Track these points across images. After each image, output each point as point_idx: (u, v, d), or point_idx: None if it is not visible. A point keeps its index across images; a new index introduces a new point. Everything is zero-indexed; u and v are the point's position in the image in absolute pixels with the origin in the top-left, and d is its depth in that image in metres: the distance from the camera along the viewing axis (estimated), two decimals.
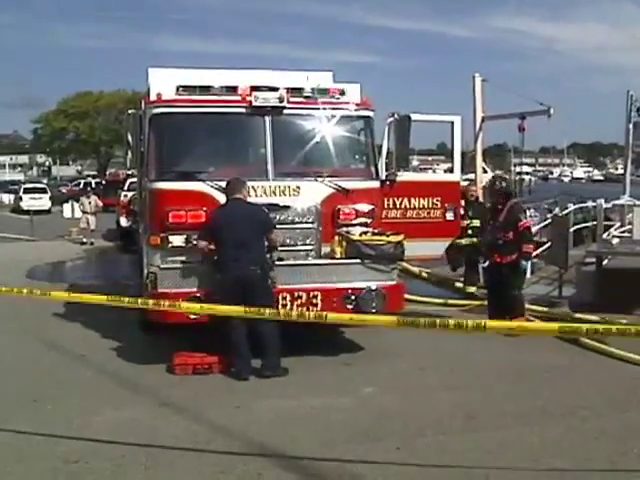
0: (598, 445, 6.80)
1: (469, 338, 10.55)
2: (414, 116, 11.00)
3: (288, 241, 9.72)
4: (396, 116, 11.27)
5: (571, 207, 16.33)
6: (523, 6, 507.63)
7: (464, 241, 13.62)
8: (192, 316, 8.69)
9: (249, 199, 9.36)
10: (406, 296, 10.96)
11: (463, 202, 13.38)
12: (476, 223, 13.64)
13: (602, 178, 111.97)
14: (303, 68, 11.01)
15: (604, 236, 15.36)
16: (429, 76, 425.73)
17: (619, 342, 9.81)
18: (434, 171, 16.78)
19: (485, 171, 19.67)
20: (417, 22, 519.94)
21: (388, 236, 9.74)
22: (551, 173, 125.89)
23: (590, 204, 17.25)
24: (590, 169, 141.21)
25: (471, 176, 19.37)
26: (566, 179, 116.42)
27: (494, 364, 9.60)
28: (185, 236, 9.52)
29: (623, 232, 15.87)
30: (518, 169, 33.33)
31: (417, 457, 6.53)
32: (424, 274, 16.11)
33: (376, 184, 10.40)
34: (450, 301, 13.46)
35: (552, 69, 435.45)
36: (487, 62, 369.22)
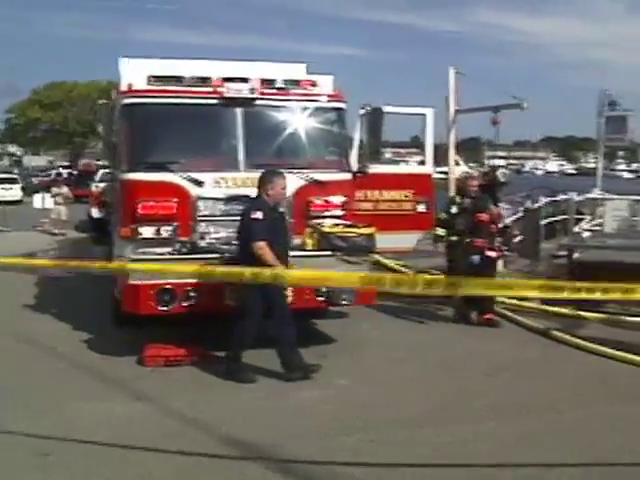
0: (573, 438, 6.86)
1: (439, 329, 10.62)
2: (386, 108, 11.02)
3: None
4: (368, 108, 11.29)
5: (543, 200, 16.41)
6: (501, 1, 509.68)
7: (455, 238, 11.95)
8: (163, 308, 8.67)
9: (220, 190, 9.37)
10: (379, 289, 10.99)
11: (460, 197, 12.17)
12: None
13: (575, 172, 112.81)
14: (279, 60, 11.01)
15: (575, 229, 15.48)
16: (408, 69, 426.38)
17: (588, 334, 9.96)
18: (407, 163, 16.76)
19: (458, 164, 19.67)
20: (396, 15, 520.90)
21: (360, 228, 9.74)
22: (522, 166, 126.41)
23: (562, 198, 17.34)
24: (563, 163, 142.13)
25: (445, 169, 19.39)
26: (539, 172, 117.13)
27: (465, 356, 9.64)
28: (156, 228, 9.47)
29: (594, 225, 16.00)
30: (492, 162, 33.44)
31: (392, 449, 6.55)
32: (397, 267, 16.11)
33: (348, 176, 10.39)
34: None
35: (529, 63, 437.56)
36: (465, 56, 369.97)
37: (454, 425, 7.17)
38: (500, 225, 12.04)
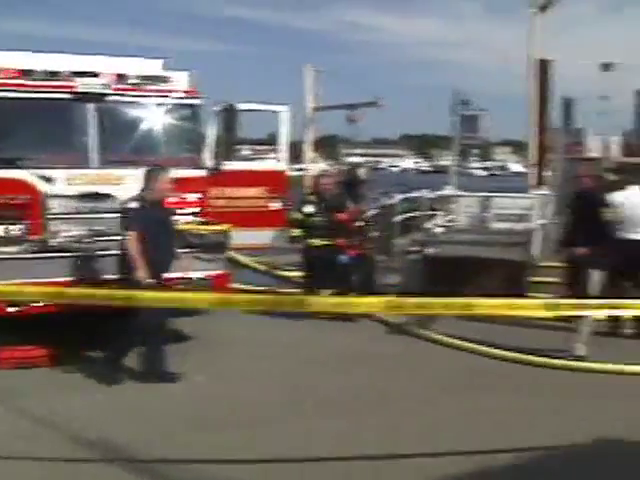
0: (435, 431, 7.03)
1: (306, 326, 10.71)
2: (240, 105, 11.05)
3: (109, 230, 9.46)
4: (223, 105, 11.29)
5: (397, 197, 16.75)
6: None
7: (317, 241, 11.68)
8: (13, 309, 8.41)
9: (71, 187, 9.18)
10: (236, 286, 11.01)
11: (315, 195, 12.07)
12: (327, 219, 11.77)
13: (431, 169, 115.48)
14: (145, 56, 10.83)
15: (429, 225, 15.88)
16: (272, 65, 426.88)
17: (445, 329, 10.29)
18: (264, 161, 16.80)
19: (316, 161, 19.91)
20: (252, 11, 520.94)
21: (214, 225, 9.73)
22: (378, 163, 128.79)
23: (416, 194, 17.75)
24: (419, 160, 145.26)
25: (303, 166, 19.58)
26: (396, 169, 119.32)
27: (329, 352, 9.77)
28: (4, 226, 9.18)
29: (447, 221, 16.46)
30: (349, 160, 33.90)
31: (247, 446, 6.55)
32: (253, 264, 16.15)
33: (203, 173, 10.35)
34: (281, 290, 13.56)
35: (389, 61, 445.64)
36: (326, 53, 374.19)
37: (311, 421, 7.21)
38: (361, 223, 12.17)
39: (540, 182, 17.49)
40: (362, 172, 13.10)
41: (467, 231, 15.30)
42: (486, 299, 6.29)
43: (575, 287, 9.59)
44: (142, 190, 8.53)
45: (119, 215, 8.63)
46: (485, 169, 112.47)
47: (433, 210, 17.86)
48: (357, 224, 11.97)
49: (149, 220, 8.25)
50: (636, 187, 10.96)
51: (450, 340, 10.15)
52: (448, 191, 17.67)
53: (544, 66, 18.99)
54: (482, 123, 22.55)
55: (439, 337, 10.35)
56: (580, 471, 6.27)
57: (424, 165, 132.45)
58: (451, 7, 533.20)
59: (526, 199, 15.51)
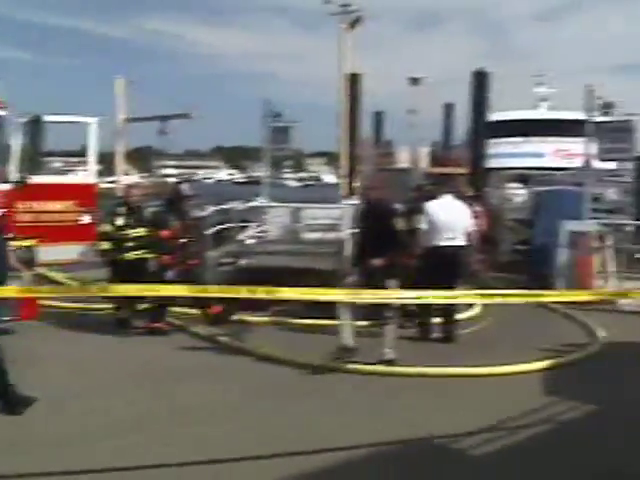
0: (236, 440, 7.11)
1: (114, 341, 10.53)
2: (47, 117, 10.79)
3: None
4: (29, 116, 10.97)
5: (210, 209, 16.76)
6: (174, 9, 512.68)
7: (131, 255, 11.63)
8: None
9: None
10: (47, 302, 10.71)
11: (125, 207, 11.90)
12: (141, 232, 11.75)
13: (245, 180, 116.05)
14: None
15: (241, 236, 16.00)
16: (82, 75, 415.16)
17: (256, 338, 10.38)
18: (76, 173, 16.34)
19: (128, 173, 19.60)
20: (60, 18, 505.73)
21: (20, 240, 9.43)
22: (192, 175, 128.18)
23: (228, 206, 17.81)
24: (234, 172, 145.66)
25: (115, 178, 19.21)
26: (210, 181, 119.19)
27: (128, 366, 9.64)
28: None
29: (259, 232, 16.63)
30: (163, 172, 33.53)
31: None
32: (63, 280, 15.69)
33: (6, 187, 10.03)
34: (94, 305, 13.23)
35: (204, 73, 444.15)
36: (138, 64, 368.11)
37: (106, 440, 7.05)
38: (185, 239, 11.93)
39: (351, 192, 17.98)
40: (185, 188, 12.98)
41: (279, 241, 15.53)
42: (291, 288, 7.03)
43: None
44: None
45: None
46: (299, 180, 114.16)
47: (246, 221, 17.99)
48: (182, 240, 11.75)
49: None
50: (449, 195, 11.55)
51: (263, 350, 10.25)
52: (260, 202, 17.86)
53: (354, 80, 19.54)
54: (293, 134, 22.96)
55: (250, 347, 10.43)
56: (390, 470, 6.58)
57: (238, 176, 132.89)
58: (260, 20, 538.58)
59: (336, 209, 15.87)
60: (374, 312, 10.10)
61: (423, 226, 11.20)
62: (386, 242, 9.67)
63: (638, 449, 7.10)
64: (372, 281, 9.47)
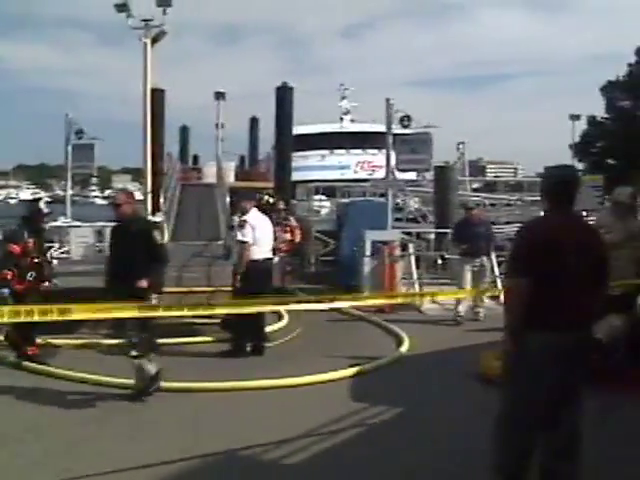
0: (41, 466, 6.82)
1: None
2: None
3: None
4: None
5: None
6: None
7: None
8: None
9: None
10: None
11: None
12: None
13: (50, 200, 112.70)
14: None
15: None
16: None
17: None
18: None
19: None
20: None
21: None
22: None
23: None
24: (38, 191, 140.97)
25: None
26: (13, 201, 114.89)
27: None
28: None
29: (63, 253, 16.17)
30: None
31: None
32: None
33: None
34: None
35: (5, 88, 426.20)
36: None
37: None
38: (37, 259, 11.28)
39: (155, 209, 17.80)
40: (42, 205, 12.30)
41: (82, 262, 15.14)
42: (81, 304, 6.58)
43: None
44: None
45: None
46: (105, 197, 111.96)
47: (50, 242, 17.44)
48: (33, 258, 11.15)
49: None
50: (254, 210, 11.65)
51: (64, 372, 9.90)
52: (62, 222, 17.38)
53: (157, 95, 19.39)
54: (96, 152, 22.54)
55: (54, 370, 10.06)
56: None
57: (43, 195, 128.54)
58: (64, 36, 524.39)
59: None
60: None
61: (245, 240, 11.28)
62: (143, 260, 8.95)
63: (434, 446, 7.39)
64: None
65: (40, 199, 14.34)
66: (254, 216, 11.62)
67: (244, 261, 11.25)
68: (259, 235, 11.41)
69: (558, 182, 5.80)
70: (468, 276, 14.20)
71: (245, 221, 11.47)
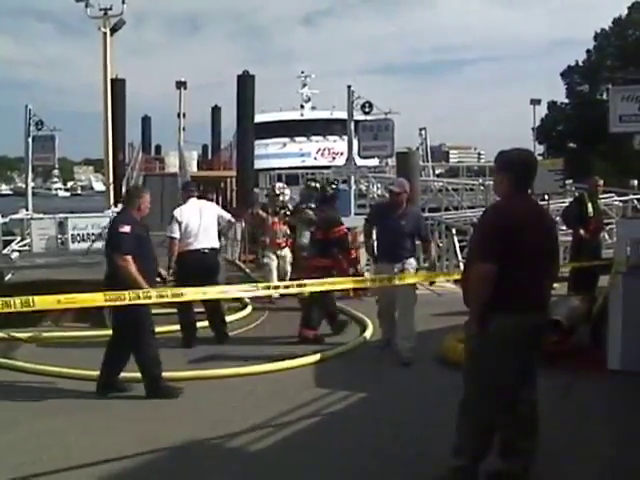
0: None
1: None
2: None
3: None
4: None
5: None
6: None
7: None
8: None
9: None
10: None
11: None
12: None
13: (11, 192, 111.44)
14: None
15: (5, 251, 15.39)
16: None
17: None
18: None
19: None
20: None
21: None
22: None
23: None
24: None
25: None
26: None
27: None
28: None
29: (24, 246, 16.05)
30: None
31: None
32: None
33: None
34: None
35: None
36: None
37: None
38: None
39: (117, 200, 17.69)
40: None
41: (44, 254, 15.03)
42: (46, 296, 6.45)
43: None
44: (124, 209, 8.69)
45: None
46: (68, 189, 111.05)
47: (11, 234, 17.33)
48: None
49: (138, 242, 8.43)
50: (192, 200, 11.39)
51: (31, 366, 9.81)
52: (24, 214, 17.25)
53: (117, 85, 19.29)
54: (56, 143, 22.35)
55: (21, 364, 9.96)
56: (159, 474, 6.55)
57: (4, 188, 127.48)
58: (22, 26, 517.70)
59: (102, 218, 15.50)
60: None
61: (172, 236, 11.04)
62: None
63: (397, 430, 7.44)
64: None
65: None
66: (185, 208, 11.31)
67: (171, 256, 11.00)
68: (191, 227, 11.05)
69: (521, 165, 5.84)
70: None
71: (172, 216, 11.26)
